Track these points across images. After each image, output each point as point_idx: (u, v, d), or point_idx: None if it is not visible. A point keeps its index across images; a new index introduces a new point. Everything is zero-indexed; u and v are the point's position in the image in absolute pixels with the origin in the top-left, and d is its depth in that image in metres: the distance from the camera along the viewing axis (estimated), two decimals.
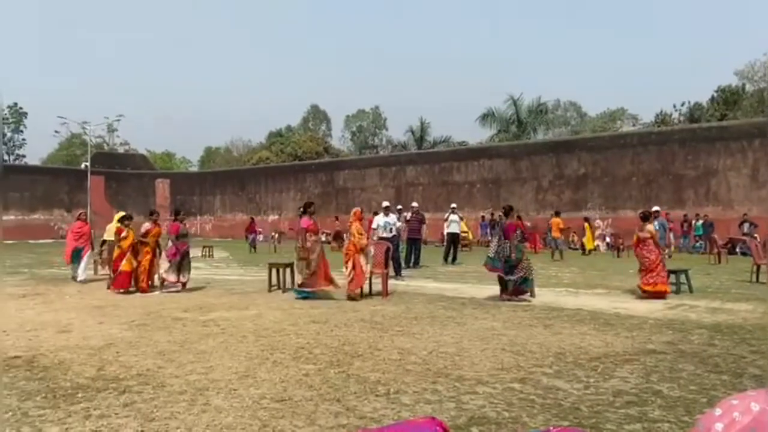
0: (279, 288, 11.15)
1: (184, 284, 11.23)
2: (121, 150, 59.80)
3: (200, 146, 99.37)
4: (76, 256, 13.14)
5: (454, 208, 18.74)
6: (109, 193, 42.06)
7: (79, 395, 4.50)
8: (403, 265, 14.31)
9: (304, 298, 9.87)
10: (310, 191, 38.95)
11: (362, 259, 10.05)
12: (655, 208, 16.18)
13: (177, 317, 8.12)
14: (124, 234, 11.38)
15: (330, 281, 10.18)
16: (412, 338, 6.60)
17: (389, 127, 62.86)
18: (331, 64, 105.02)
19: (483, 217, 29.41)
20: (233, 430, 3.74)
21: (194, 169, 68.79)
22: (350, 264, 10.00)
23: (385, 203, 15.17)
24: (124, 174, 44.91)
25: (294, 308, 8.91)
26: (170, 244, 11.27)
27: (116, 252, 11.35)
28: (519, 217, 11.02)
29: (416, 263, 16.23)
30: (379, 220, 14.15)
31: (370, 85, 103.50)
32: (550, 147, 30.64)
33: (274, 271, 11.41)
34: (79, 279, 12.87)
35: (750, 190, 23.69)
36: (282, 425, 3.82)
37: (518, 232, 9.88)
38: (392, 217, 14.41)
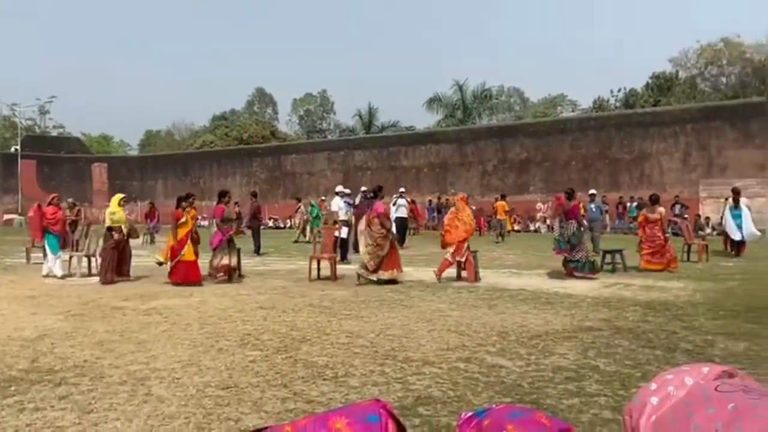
0: (224, 274, 10.95)
1: (234, 269, 10.37)
2: (54, 133, 57.10)
3: (140, 129, 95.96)
4: (53, 246, 11.30)
5: (402, 192, 18.86)
6: (41, 178, 40.20)
7: (12, 388, 4.32)
8: (351, 250, 14.34)
9: (371, 282, 9.58)
10: (256, 176, 38.35)
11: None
12: (592, 191, 16.81)
13: (116, 306, 7.88)
14: (183, 219, 10.07)
15: (398, 266, 9.91)
16: (361, 321, 6.64)
17: (337, 111, 62.43)
18: (276, 46, 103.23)
19: (430, 201, 29.70)
20: (176, 420, 3.67)
21: (134, 152, 66.49)
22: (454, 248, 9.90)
23: (339, 188, 15.16)
24: (57, 158, 42.93)
25: (240, 294, 8.80)
26: (214, 229, 10.42)
27: (170, 239, 10.15)
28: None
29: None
30: (339, 203, 14.12)
31: (317, 69, 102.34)
32: (495, 132, 31.15)
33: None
34: (59, 274, 11.08)
35: (681, 174, 24.78)
36: (227, 413, 3.78)
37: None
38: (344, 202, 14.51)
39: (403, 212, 18.10)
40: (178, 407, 3.88)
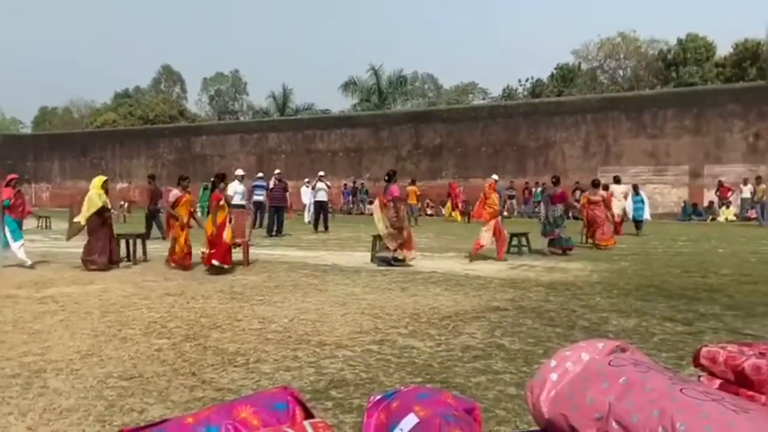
0: (129, 260, 10.47)
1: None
2: None
3: (34, 106, 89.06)
4: (16, 233, 10.03)
5: (321, 176, 18.74)
6: None
7: None
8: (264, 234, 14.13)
9: (389, 264, 9.67)
10: (164, 158, 36.74)
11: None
12: (494, 176, 17.65)
13: (8, 294, 7.34)
14: (222, 202, 9.58)
15: (413, 246, 10.12)
16: (274, 307, 6.55)
17: (250, 92, 60.81)
18: (185, 22, 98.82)
19: (345, 185, 29.70)
20: (74, 413, 3.48)
21: (27, 131, 61.76)
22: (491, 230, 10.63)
23: (240, 171, 14.74)
24: None
25: (146, 281, 8.44)
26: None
27: (209, 224, 9.43)
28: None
29: (279, 231, 16.08)
30: (237, 188, 13.77)
31: (228, 48, 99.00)
32: (410, 118, 31.53)
33: (123, 242, 10.67)
34: (28, 263, 9.90)
35: (582, 161, 26.20)
36: (131, 404, 3.63)
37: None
38: (242, 187, 14.18)
39: (323, 196, 17.99)
40: (77, 400, 3.68)
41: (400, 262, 9.79)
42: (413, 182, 23.12)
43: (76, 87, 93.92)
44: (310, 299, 6.99)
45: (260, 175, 19.47)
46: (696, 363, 1.61)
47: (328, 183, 19.16)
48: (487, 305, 6.59)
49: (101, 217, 9.84)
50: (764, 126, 23.18)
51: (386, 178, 10.74)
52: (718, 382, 1.51)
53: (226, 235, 9.36)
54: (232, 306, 6.60)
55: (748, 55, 33.31)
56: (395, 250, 9.83)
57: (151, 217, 15.31)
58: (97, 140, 40.17)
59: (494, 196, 10.97)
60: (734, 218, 21.67)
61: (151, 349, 4.83)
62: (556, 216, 11.63)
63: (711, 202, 23.32)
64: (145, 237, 11.63)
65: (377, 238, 10.60)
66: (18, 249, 10.01)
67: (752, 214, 20.50)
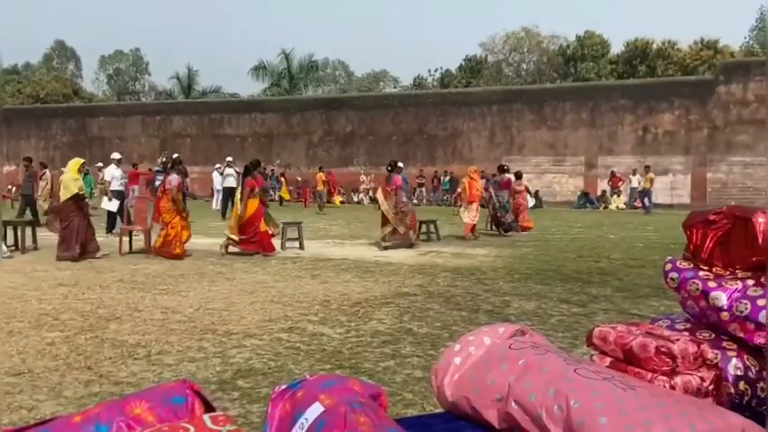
0: (17, 249, 9.72)
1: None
2: None
3: None
4: None
5: (230, 161, 18.19)
6: None
7: None
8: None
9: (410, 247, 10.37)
10: (57, 139, 34.29)
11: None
12: (399, 164, 18.15)
13: None
14: (257, 190, 9.59)
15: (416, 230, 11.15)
16: (178, 296, 6.32)
17: (152, 72, 57.81)
18: None
19: (329, 172, 29.03)
20: None
21: None
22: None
23: (116, 155, 13.86)
24: None
25: (36, 271, 7.87)
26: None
27: (248, 213, 9.33)
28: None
29: None
30: (114, 172, 13.07)
31: (128, 25, 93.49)
32: (321, 104, 31.24)
33: (10, 230, 9.88)
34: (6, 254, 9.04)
35: (488, 151, 27.09)
36: (19, 401, 3.38)
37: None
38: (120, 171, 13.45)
39: (231, 182, 17.46)
40: None
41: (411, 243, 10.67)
42: (320, 169, 23.21)
43: None
44: (217, 288, 6.80)
45: (164, 160, 18.65)
46: (589, 343, 1.71)
47: (237, 169, 18.65)
48: (396, 291, 6.69)
49: (77, 203, 9.14)
50: (652, 120, 24.96)
51: (389, 168, 11.23)
52: (608, 360, 1.61)
53: (263, 224, 9.54)
54: (133, 296, 6.30)
55: (638, 53, 35.65)
56: (403, 234, 10.57)
57: (31, 203, 14.05)
58: None
59: (479, 182, 12.82)
60: (624, 206, 23.25)
61: (42, 343, 4.53)
62: (504, 201, 12.98)
63: (604, 191, 24.87)
64: (35, 224, 10.81)
65: (287, 225, 10.57)
66: None
67: (639, 203, 22.09)
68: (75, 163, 9.61)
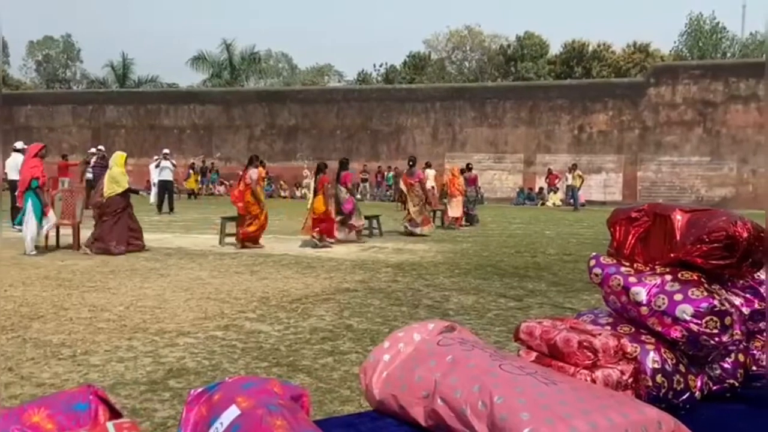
0: None
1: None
2: None
3: None
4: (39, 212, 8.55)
5: (166, 153, 17.61)
6: None
7: None
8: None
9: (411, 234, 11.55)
10: None
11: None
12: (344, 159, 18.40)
13: None
14: (329, 184, 10.58)
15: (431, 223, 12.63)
16: (107, 294, 6.08)
17: (84, 59, 55.25)
18: None
19: (193, 164, 28.28)
20: None
21: None
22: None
23: (19, 144, 13.03)
24: None
25: None
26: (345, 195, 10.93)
27: (320, 203, 10.19)
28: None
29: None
30: (18, 160, 12.36)
31: (59, 9, 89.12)
32: (263, 96, 30.73)
33: None
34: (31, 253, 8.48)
35: (431, 147, 27.36)
36: None
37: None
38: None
39: (167, 175, 16.92)
40: None
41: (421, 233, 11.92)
42: (262, 164, 22.87)
43: None
44: (150, 285, 6.58)
45: (93, 150, 17.92)
46: (516, 338, 1.74)
47: (174, 161, 18.13)
48: (337, 287, 6.66)
49: (124, 198, 9.04)
50: (587, 120, 25.83)
51: (410, 163, 13.08)
52: (534, 354, 1.64)
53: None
54: (59, 293, 6.01)
55: (575, 55, 36.79)
56: (419, 225, 11.93)
57: None
58: None
59: (461, 179, 13.98)
60: (560, 203, 23.98)
61: None
62: (473, 197, 14.55)
63: (541, 188, 25.59)
64: None
65: (226, 220, 10.40)
66: (35, 230, 8.61)
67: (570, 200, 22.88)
68: (120, 157, 9.54)
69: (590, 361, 1.50)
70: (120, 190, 9.08)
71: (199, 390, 1.18)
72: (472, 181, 15.03)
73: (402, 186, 12.80)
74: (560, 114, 26.12)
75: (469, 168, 15.54)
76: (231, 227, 10.36)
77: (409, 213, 12.20)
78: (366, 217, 12.09)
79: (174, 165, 17.75)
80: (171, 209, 16.67)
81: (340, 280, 7.06)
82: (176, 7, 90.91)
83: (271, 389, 1.11)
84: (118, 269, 7.50)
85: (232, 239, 10.20)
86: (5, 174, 12.58)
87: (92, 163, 15.74)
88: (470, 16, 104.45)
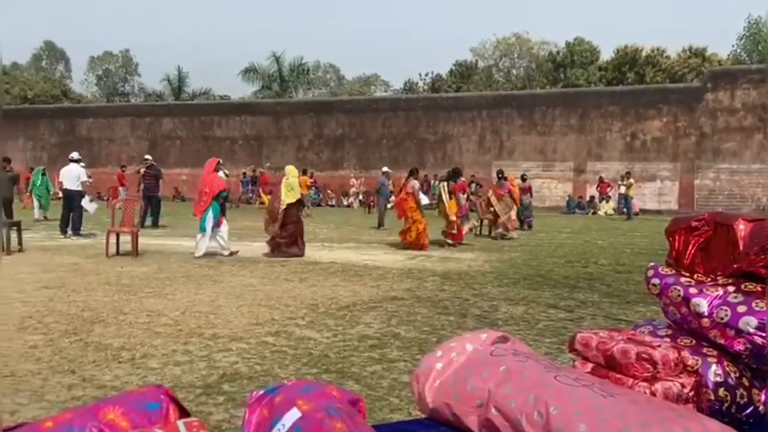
0: (2, 250, 9.60)
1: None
2: None
3: None
4: (216, 216, 9.65)
5: (219, 164, 18.07)
6: None
7: None
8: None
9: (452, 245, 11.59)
10: (45, 140, 34.03)
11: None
12: (384, 168, 18.71)
13: None
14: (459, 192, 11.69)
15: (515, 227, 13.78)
16: (164, 299, 6.27)
17: (142, 73, 57.41)
18: None
19: (244, 173, 28.95)
20: None
21: None
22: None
23: (75, 155, 13.50)
24: None
25: (20, 273, 7.78)
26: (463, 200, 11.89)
27: (453, 208, 11.37)
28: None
29: (155, 223, 14.96)
30: (75, 171, 12.82)
31: (118, 26, 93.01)
32: (311, 107, 31.23)
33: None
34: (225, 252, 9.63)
35: (477, 155, 27.20)
36: (1, 404, 3.34)
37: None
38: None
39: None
40: None
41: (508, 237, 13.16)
42: (304, 172, 23.21)
43: None
44: (204, 291, 6.75)
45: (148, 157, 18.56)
46: (571, 348, 1.71)
47: (227, 171, 18.55)
48: (384, 295, 6.68)
49: (298, 206, 9.94)
50: (640, 127, 25.17)
51: (499, 175, 14.78)
52: (590, 366, 1.61)
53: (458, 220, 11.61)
54: (119, 299, 6.24)
55: (627, 60, 35.94)
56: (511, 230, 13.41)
57: (8, 205, 13.84)
58: None
59: (516, 188, 14.70)
60: (613, 212, 23.39)
61: (24, 346, 4.47)
62: (527, 204, 15.61)
63: (592, 197, 25.03)
64: (20, 225, 10.70)
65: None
66: (205, 238, 9.57)
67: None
68: (293, 169, 10.40)
69: (649, 374, 1.47)
70: (293, 199, 9.91)
71: (261, 392, 1.21)
72: (527, 190, 16.08)
73: (492, 197, 13.91)
74: (612, 121, 25.56)
75: (523, 178, 16.64)
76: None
77: (499, 219, 13.57)
78: None
79: (226, 175, 18.16)
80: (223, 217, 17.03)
81: (387, 289, 7.08)
82: (229, 22, 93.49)
83: (329, 393, 1.14)
84: (174, 276, 7.73)
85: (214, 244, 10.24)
86: (60, 183, 13.13)
87: (142, 172, 16.20)
88: (518, 24, 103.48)
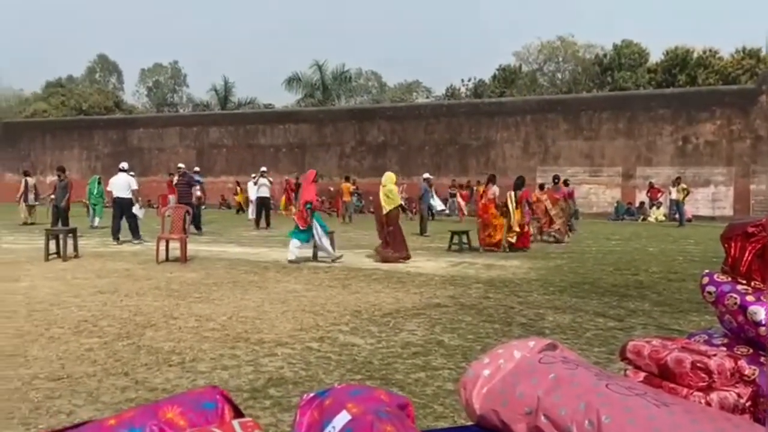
0: (59, 256, 10.02)
1: None
2: None
3: None
4: (324, 227, 10.20)
5: (264, 171, 18.42)
6: None
7: None
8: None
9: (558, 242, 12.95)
10: (98, 150, 35.35)
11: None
12: (426, 175, 18.65)
13: None
14: (525, 201, 12.28)
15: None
16: (212, 304, 6.41)
17: (190, 84, 59.14)
18: (120, 11, 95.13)
19: (288, 181, 29.35)
20: None
21: None
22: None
23: (124, 165, 13.99)
24: None
25: (76, 278, 8.10)
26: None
27: (518, 215, 11.87)
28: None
29: (197, 228, 15.10)
30: (127, 180, 13.33)
31: (167, 39, 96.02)
32: (353, 114, 31.48)
33: (52, 238, 10.19)
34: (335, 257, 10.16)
35: (521, 160, 26.86)
36: (58, 405, 3.47)
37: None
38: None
39: (265, 192, 17.70)
40: (0, 402, 3.49)
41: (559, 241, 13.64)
42: (347, 179, 23.37)
43: (3, 75, 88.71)
44: (250, 296, 6.88)
45: (197, 169, 19.16)
46: (622, 357, 1.67)
47: (271, 179, 18.90)
48: (427, 302, 6.66)
49: (398, 212, 10.44)
50: (692, 130, 24.40)
51: (555, 180, 15.47)
52: (642, 375, 1.57)
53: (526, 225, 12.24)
54: (168, 303, 6.42)
55: (677, 62, 34.94)
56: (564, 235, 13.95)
57: (63, 212, 14.38)
58: (26, 131, 38.21)
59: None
60: (664, 218, 22.72)
61: (80, 349, 4.64)
62: (572, 209, 15.55)
63: (642, 203, 24.36)
64: (75, 232, 11.13)
65: None
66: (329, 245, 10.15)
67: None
68: (392, 176, 10.79)
69: (704, 383, 1.42)
70: (392, 206, 10.27)
71: (311, 395, 1.23)
72: (569, 195, 16.02)
73: (547, 201, 14.14)
74: (662, 124, 24.87)
75: (566, 183, 16.44)
76: (324, 242, 10.63)
77: (554, 223, 13.99)
78: (454, 233, 12.04)
79: (271, 182, 18.49)
80: (268, 224, 17.35)
81: (430, 296, 7.05)
82: (273, 32, 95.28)
83: (378, 397, 1.15)
84: (221, 281, 7.90)
85: (323, 253, 10.47)
86: (110, 192, 13.65)
87: (175, 181, 16.55)
88: (563, 27, 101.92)
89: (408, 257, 10.13)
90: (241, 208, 26.47)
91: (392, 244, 10.16)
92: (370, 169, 29.31)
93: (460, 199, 23.82)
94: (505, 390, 1.44)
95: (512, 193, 12.22)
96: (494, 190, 12.17)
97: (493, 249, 11.61)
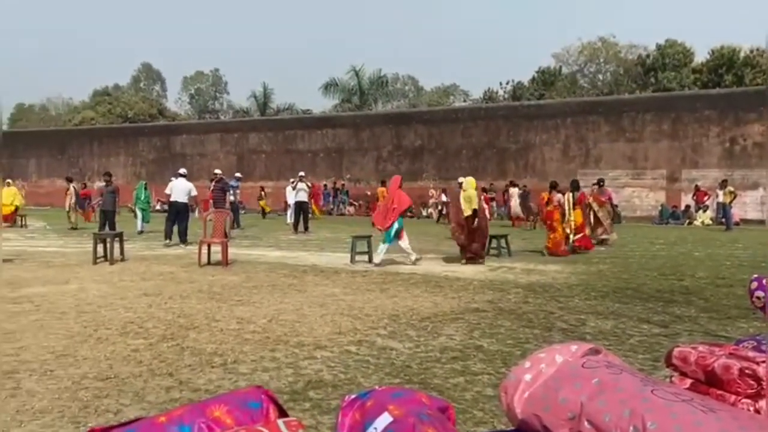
0: (106, 260, 10.34)
1: None
2: None
3: (10, 103, 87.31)
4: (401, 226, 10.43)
5: (302, 176, 18.63)
6: None
7: None
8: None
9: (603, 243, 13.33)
10: (143, 156, 36.36)
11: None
12: (460, 179, 18.48)
13: None
14: (584, 203, 12.98)
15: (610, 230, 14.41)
16: (252, 307, 6.52)
17: (230, 91, 60.42)
18: (164, 20, 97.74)
19: (325, 185, 29.63)
20: (48, 414, 3.43)
21: (3, 128, 60.47)
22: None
23: (182, 170, 14.46)
24: None
25: (123, 281, 8.34)
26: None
27: (578, 216, 12.32)
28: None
29: (237, 225, 15.76)
30: (185, 185, 13.75)
31: (208, 47, 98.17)
32: (390, 119, 31.57)
33: (100, 242, 10.53)
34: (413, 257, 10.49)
35: (562, 164, 26.46)
36: (106, 404, 3.59)
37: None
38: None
39: (303, 196, 17.91)
40: (51, 401, 3.63)
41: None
42: (383, 183, 23.47)
43: (54, 84, 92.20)
44: (289, 300, 6.96)
45: (238, 175, 19.56)
46: (668, 363, 1.64)
47: (309, 183, 19.09)
48: (466, 306, 6.62)
49: (477, 215, 10.67)
50: (739, 132, 23.63)
51: (600, 183, 15.68)
52: (689, 381, 1.54)
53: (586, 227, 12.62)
54: (211, 306, 6.55)
55: (724, 62, 33.91)
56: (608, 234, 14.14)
57: (111, 216, 14.82)
58: (75, 138, 39.62)
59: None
60: (711, 222, 22.03)
61: (127, 350, 4.78)
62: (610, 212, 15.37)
63: (688, 206, 23.69)
64: (122, 237, 11.46)
65: (356, 239, 10.97)
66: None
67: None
68: (472, 181, 11.02)
69: (753, 390, 1.38)
70: (470, 210, 10.52)
71: (353, 396, 1.25)
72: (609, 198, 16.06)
73: (593, 203, 14.19)
74: (708, 126, 24.15)
75: (599, 184, 16.20)
76: (362, 246, 10.70)
77: (602, 225, 14.18)
78: (493, 237, 11.94)
79: (309, 187, 18.67)
80: (306, 228, 17.53)
81: (468, 300, 7.01)
82: (311, 38, 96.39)
83: (419, 399, 1.16)
84: (261, 284, 8.02)
85: (364, 257, 10.54)
86: (167, 195, 14.07)
87: (211, 187, 16.87)
88: (604, 28, 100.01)
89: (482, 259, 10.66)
90: (264, 213, 26.62)
91: (478, 247, 10.63)
92: (407, 174, 29.27)
93: (483, 203, 23.63)
94: (548, 395, 1.42)
95: (569, 195, 12.49)
96: (558, 197, 12.50)
97: (558, 254, 11.68)
